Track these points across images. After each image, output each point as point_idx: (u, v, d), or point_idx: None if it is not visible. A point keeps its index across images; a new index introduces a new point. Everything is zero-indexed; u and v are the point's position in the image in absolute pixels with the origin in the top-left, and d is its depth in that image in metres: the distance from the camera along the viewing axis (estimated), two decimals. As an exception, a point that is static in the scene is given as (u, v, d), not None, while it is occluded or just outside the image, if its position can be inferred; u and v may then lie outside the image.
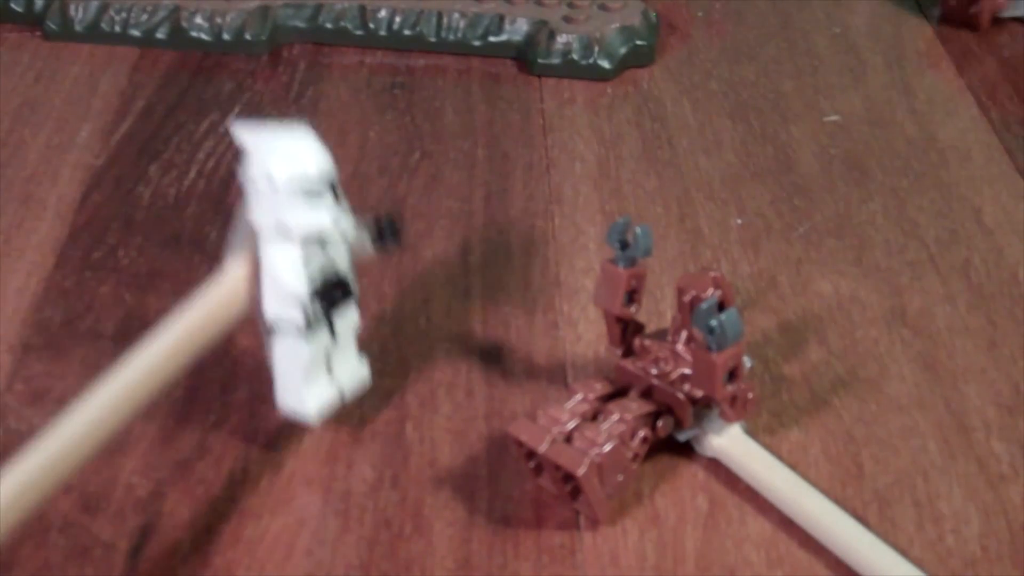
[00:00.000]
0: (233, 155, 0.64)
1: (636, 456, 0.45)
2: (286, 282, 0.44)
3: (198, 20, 0.73)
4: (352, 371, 0.48)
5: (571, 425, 0.45)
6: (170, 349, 0.44)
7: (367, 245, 0.46)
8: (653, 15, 0.74)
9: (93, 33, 0.73)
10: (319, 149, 0.44)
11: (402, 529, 0.45)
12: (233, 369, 0.52)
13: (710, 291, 0.45)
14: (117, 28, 0.73)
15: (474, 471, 0.47)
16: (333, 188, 0.44)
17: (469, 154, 0.65)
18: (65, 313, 0.54)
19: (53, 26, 0.74)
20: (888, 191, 0.62)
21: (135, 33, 0.73)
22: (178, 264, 0.57)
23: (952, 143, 0.66)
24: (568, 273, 0.57)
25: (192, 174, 0.63)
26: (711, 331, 0.44)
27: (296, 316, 0.45)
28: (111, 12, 0.73)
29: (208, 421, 0.49)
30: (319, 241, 0.44)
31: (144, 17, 0.73)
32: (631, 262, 0.47)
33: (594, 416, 0.45)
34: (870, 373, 0.52)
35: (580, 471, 0.43)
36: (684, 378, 0.46)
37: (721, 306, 0.44)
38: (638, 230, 0.46)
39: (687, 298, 0.46)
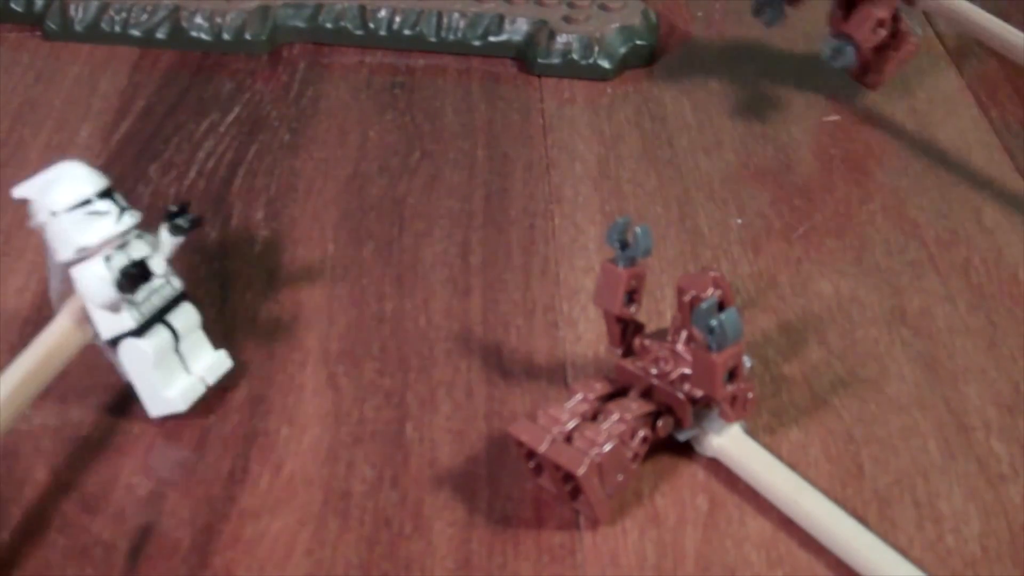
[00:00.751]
0: (233, 155, 0.64)
1: (636, 456, 0.45)
2: (97, 292, 0.47)
3: (198, 20, 0.73)
4: (210, 362, 0.50)
5: (571, 425, 0.45)
6: (11, 397, 0.46)
7: (165, 235, 0.49)
8: (653, 15, 0.74)
9: (93, 33, 0.73)
10: (85, 170, 0.47)
11: (402, 529, 0.45)
12: (233, 369, 0.52)
13: (710, 291, 0.45)
14: (117, 28, 0.73)
15: (474, 471, 0.47)
16: (111, 196, 0.47)
17: (469, 154, 0.65)
18: (65, 313, 0.54)
19: (53, 26, 0.74)
20: (888, 191, 0.62)
21: (135, 33, 0.73)
22: (178, 264, 0.57)
23: (952, 143, 0.66)
24: (568, 273, 0.57)
25: (192, 174, 0.63)
26: (711, 331, 0.44)
27: (126, 323, 0.48)
28: (111, 12, 0.73)
29: (208, 421, 0.49)
30: (120, 248, 0.47)
31: (144, 17, 0.73)
32: (631, 262, 0.47)
33: (594, 416, 0.45)
34: (870, 373, 0.52)
35: (580, 471, 0.43)
36: (684, 378, 0.46)
37: (721, 306, 0.44)
38: (638, 230, 0.46)
39: (687, 298, 0.46)
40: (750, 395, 0.46)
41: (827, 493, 0.46)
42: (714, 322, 0.43)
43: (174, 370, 0.49)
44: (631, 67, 0.72)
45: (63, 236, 0.47)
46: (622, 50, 0.71)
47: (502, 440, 0.48)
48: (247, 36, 0.72)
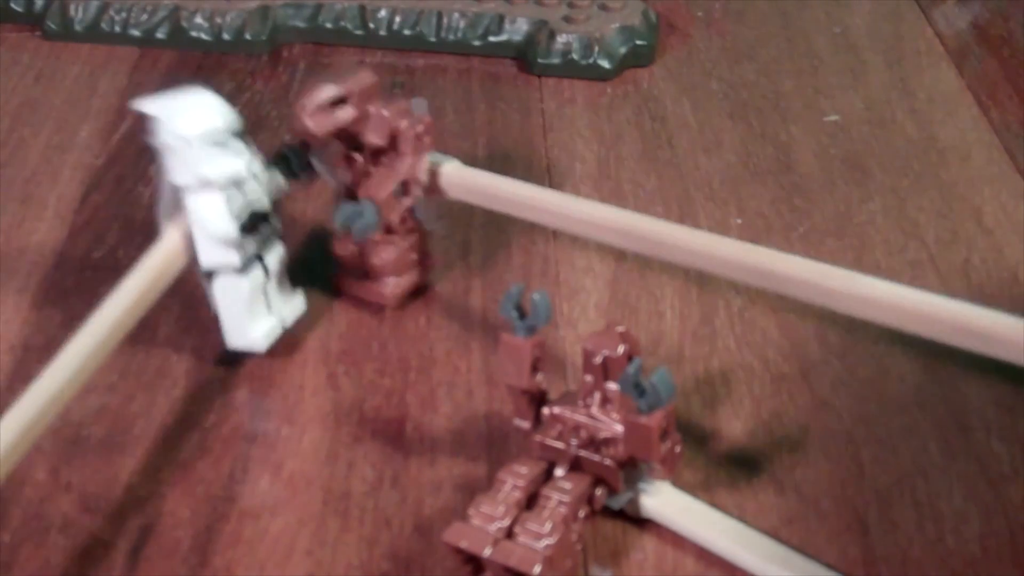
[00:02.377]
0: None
1: (580, 537, 0.43)
2: (216, 227, 0.48)
3: (198, 20, 0.73)
4: (288, 302, 0.52)
5: (509, 520, 0.42)
6: (121, 316, 0.47)
7: (280, 180, 0.50)
8: (653, 15, 0.74)
9: (93, 33, 0.73)
10: (220, 103, 0.48)
11: (402, 529, 0.45)
12: (233, 369, 0.52)
13: (620, 348, 0.43)
14: (117, 28, 0.73)
15: (474, 471, 0.47)
16: (239, 135, 0.48)
17: (469, 154, 0.64)
18: (65, 313, 0.54)
19: (53, 26, 0.74)
20: (888, 191, 0.62)
21: (135, 33, 0.73)
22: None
23: (952, 143, 0.66)
24: (568, 273, 0.57)
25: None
26: (642, 394, 0.42)
27: (231, 259, 0.49)
28: (111, 12, 0.73)
29: (208, 421, 0.49)
30: (236, 184, 0.48)
31: (144, 17, 0.73)
32: (532, 331, 0.44)
33: (528, 500, 0.43)
34: (870, 373, 0.52)
35: (536, 570, 0.41)
36: (607, 442, 0.44)
37: (629, 359, 0.43)
38: (535, 296, 0.44)
39: (598, 360, 0.43)
40: (678, 449, 0.44)
41: (827, 493, 0.46)
42: (646, 385, 0.42)
43: (259, 309, 0.50)
44: (631, 67, 0.72)
45: (188, 162, 0.47)
46: (622, 50, 0.71)
47: (502, 440, 0.48)
48: (247, 36, 0.72)
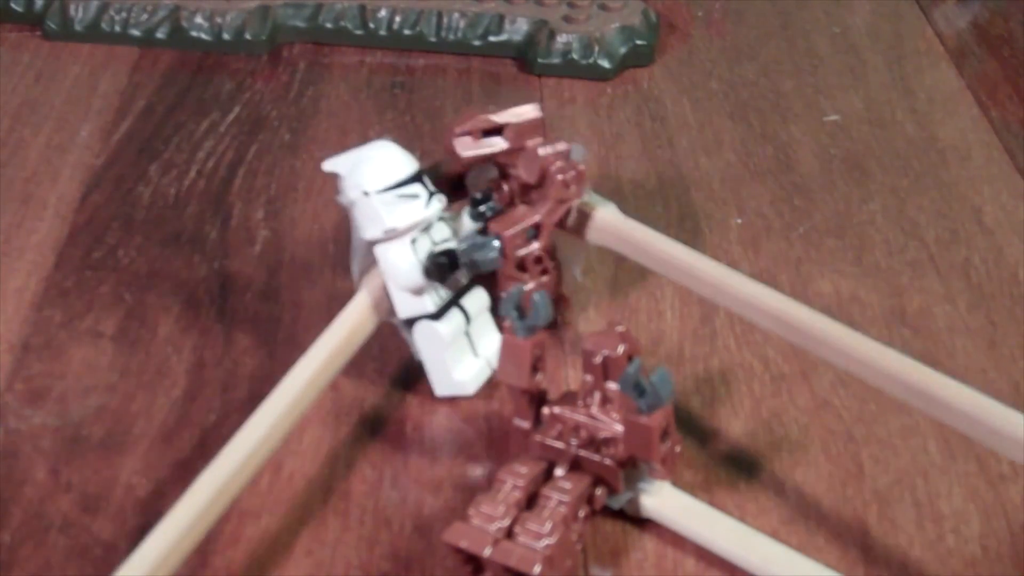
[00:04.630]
0: (233, 155, 0.64)
1: (580, 536, 0.44)
2: (404, 273, 0.48)
3: (198, 20, 0.73)
4: (495, 344, 0.50)
5: (508, 520, 0.42)
6: (317, 374, 0.46)
7: (467, 220, 0.51)
8: (653, 15, 0.74)
9: (93, 33, 0.73)
10: (399, 152, 0.48)
11: (402, 529, 0.45)
12: (233, 369, 0.52)
13: (620, 348, 0.43)
14: (117, 28, 0.73)
15: (474, 471, 0.47)
16: (421, 180, 0.48)
17: (469, 154, 0.64)
18: (65, 313, 0.54)
19: (53, 26, 0.74)
20: (888, 191, 0.62)
21: (135, 33, 0.73)
22: (178, 264, 0.57)
23: (952, 143, 0.66)
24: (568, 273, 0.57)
25: (192, 174, 0.63)
26: (642, 393, 0.42)
27: (426, 306, 0.49)
28: (111, 12, 0.73)
29: (208, 421, 0.49)
30: (424, 231, 0.48)
31: (144, 17, 0.73)
32: (532, 331, 0.44)
33: (528, 501, 0.43)
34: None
35: (536, 570, 0.41)
36: (607, 442, 0.44)
37: (629, 358, 0.43)
38: (535, 297, 0.44)
39: (598, 359, 0.43)
40: (678, 449, 0.44)
41: (827, 493, 0.46)
42: (646, 385, 0.42)
43: (463, 352, 0.50)
44: (631, 67, 0.72)
45: (372, 215, 0.48)
46: (622, 50, 0.71)
47: (502, 440, 0.48)
48: (247, 36, 0.72)
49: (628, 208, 0.60)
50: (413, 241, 0.48)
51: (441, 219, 0.49)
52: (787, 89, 0.70)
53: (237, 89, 0.70)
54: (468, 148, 0.51)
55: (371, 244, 0.48)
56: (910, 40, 0.75)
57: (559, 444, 0.45)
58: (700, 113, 0.68)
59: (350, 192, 0.48)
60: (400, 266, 0.48)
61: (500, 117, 0.51)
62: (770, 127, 0.67)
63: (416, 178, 0.48)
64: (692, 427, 0.49)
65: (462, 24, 0.72)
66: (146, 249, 0.58)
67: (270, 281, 0.56)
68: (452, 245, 0.49)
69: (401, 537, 0.45)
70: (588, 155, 0.52)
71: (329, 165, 0.49)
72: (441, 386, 0.50)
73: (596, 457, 0.44)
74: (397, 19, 0.73)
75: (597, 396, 0.44)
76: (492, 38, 0.72)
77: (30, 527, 0.45)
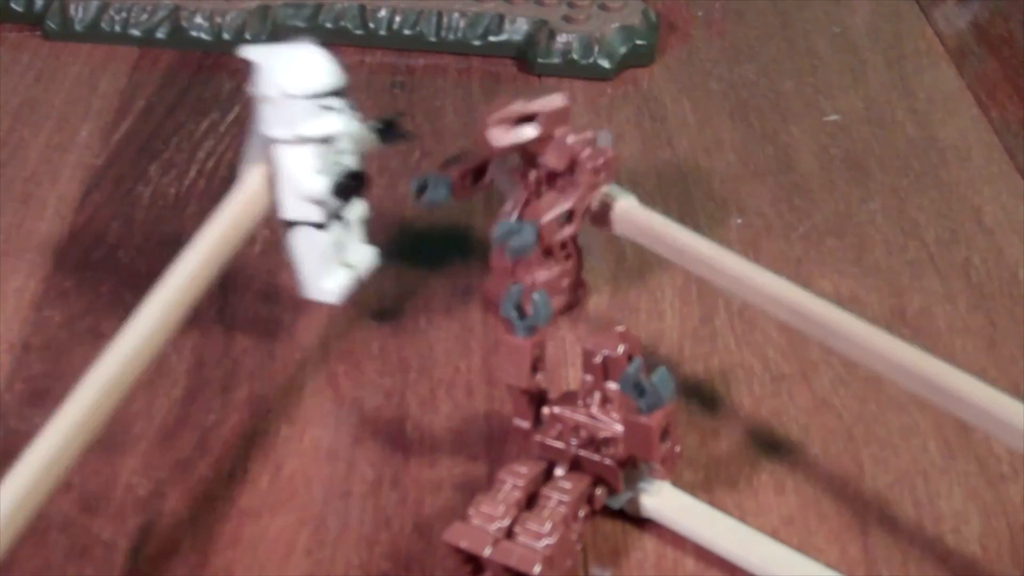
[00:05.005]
0: (233, 154, 0.64)
1: (580, 536, 0.44)
2: (305, 185, 0.48)
3: (198, 20, 0.73)
4: (363, 255, 0.51)
5: (508, 520, 0.42)
6: (206, 256, 0.47)
7: (372, 138, 0.50)
8: (653, 15, 0.74)
9: (93, 33, 0.73)
10: (328, 61, 0.47)
11: (402, 529, 0.45)
12: (233, 369, 0.52)
13: (620, 348, 0.43)
14: (117, 28, 0.73)
15: (474, 471, 0.47)
16: (339, 94, 0.47)
17: (469, 154, 0.64)
18: (65, 313, 0.54)
19: (53, 26, 0.74)
20: (888, 191, 0.62)
21: (135, 33, 0.73)
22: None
23: (952, 143, 0.66)
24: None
25: (192, 174, 0.63)
26: (642, 393, 0.42)
27: (314, 214, 0.48)
28: (111, 12, 0.73)
29: (208, 421, 0.49)
30: (328, 141, 0.48)
31: (144, 17, 0.73)
32: (531, 331, 0.44)
33: (528, 500, 0.43)
34: (870, 373, 0.52)
35: (536, 570, 0.41)
36: (607, 442, 0.44)
37: (629, 358, 0.43)
38: (535, 296, 0.44)
39: (598, 359, 0.43)
40: (677, 449, 0.44)
41: (827, 493, 0.46)
42: (646, 384, 0.42)
43: (335, 262, 0.50)
44: (631, 67, 0.72)
45: (286, 118, 0.47)
46: (622, 50, 0.71)
47: (502, 440, 0.48)
48: (247, 36, 0.72)
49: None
50: (318, 151, 0.48)
51: (349, 136, 0.49)
52: (787, 89, 0.70)
53: (237, 89, 0.70)
54: (501, 137, 0.51)
55: (271, 141, 0.48)
56: (910, 40, 0.75)
57: (559, 444, 0.45)
58: (700, 113, 0.68)
59: (267, 88, 0.47)
60: (301, 173, 0.48)
61: (531, 106, 0.51)
62: (770, 127, 0.67)
63: (339, 92, 0.48)
64: (692, 427, 0.49)
65: (462, 24, 0.73)
66: (146, 249, 0.58)
67: (270, 281, 0.56)
68: (355, 165, 0.49)
69: (401, 537, 0.45)
70: (612, 142, 0.53)
71: (248, 52, 0.48)
72: (309, 290, 0.51)
73: (596, 457, 0.44)
74: (397, 19, 0.73)
75: (597, 396, 0.44)
76: (492, 38, 0.72)
77: (30, 527, 0.45)
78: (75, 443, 0.41)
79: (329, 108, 0.47)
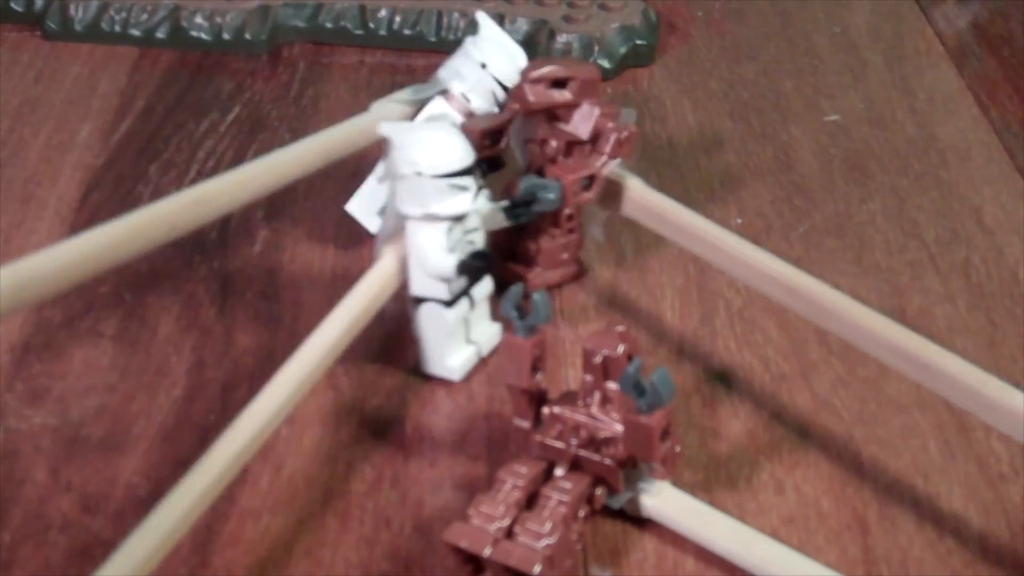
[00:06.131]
0: (233, 154, 0.64)
1: (580, 536, 0.44)
2: (434, 263, 0.49)
3: (198, 20, 0.73)
4: (487, 332, 0.52)
5: (508, 520, 0.42)
6: (339, 336, 0.48)
7: (502, 219, 0.51)
8: (653, 15, 0.74)
9: (93, 33, 0.73)
10: (462, 141, 0.49)
11: (402, 529, 0.45)
12: (233, 369, 0.52)
13: (620, 348, 0.43)
14: (117, 28, 0.73)
15: (474, 471, 0.47)
16: (472, 172, 0.49)
17: (469, 154, 0.64)
18: (65, 313, 0.54)
19: (53, 26, 0.74)
20: (888, 191, 0.62)
21: (135, 33, 0.73)
22: (178, 264, 0.57)
23: (952, 143, 0.66)
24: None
25: (192, 174, 0.63)
26: (642, 393, 0.42)
27: (442, 292, 0.49)
28: (111, 12, 0.73)
29: (208, 421, 0.49)
30: (459, 221, 0.49)
31: (144, 17, 0.73)
32: (532, 331, 0.44)
33: (528, 500, 0.43)
34: (870, 373, 0.52)
35: (536, 570, 0.41)
36: (607, 442, 0.44)
37: (629, 358, 0.43)
38: (535, 296, 0.44)
39: (597, 359, 0.43)
40: (677, 448, 0.44)
41: (827, 493, 0.46)
42: (646, 384, 0.41)
43: (459, 338, 0.51)
44: (631, 67, 0.72)
45: (419, 196, 0.48)
46: (622, 50, 0.71)
47: (502, 440, 0.48)
48: (247, 36, 0.72)
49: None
50: (449, 229, 0.49)
51: (477, 213, 0.50)
52: (787, 89, 0.70)
53: (237, 89, 0.70)
54: (539, 96, 0.53)
55: (404, 218, 0.49)
56: (910, 40, 0.75)
57: (559, 444, 0.45)
58: (700, 113, 0.68)
59: (401, 166, 0.48)
60: (430, 251, 0.49)
61: (566, 70, 0.53)
62: (770, 127, 0.67)
63: (470, 170, 0.49)
64: (692, 427, 0.49)
65: (462, 24, 0.73)
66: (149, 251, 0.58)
67: (270, 281, 0.56)
68: (483, 244, 0.50)
69: (401, 537, 0.45)
70: (637, 119, 0.55)
71: (387, 130, 0.49)
72: (432, 366, 0.51)
73: (596, 457, 0.44)
74: (397, 19, 0.73)
75: (597, 396, 0.44)
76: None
77: (30, 527, 0.45)
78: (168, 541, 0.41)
79: (461, 188, 0.48)
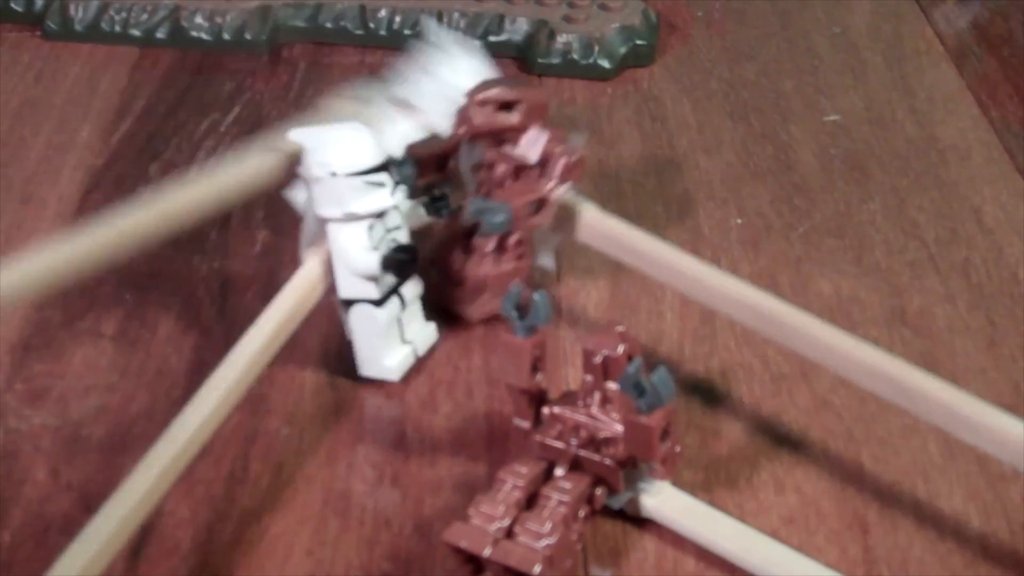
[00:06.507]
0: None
1: (580, 536, 0.44)
2: (358, 262, 0.48)
3: (198, 20, 0.73)
4: (421, 332, 0.52)
5: (508, 520, 0.42)
6: (265, 343, 0.47)
7: (422, 214, 0.51)
8: (653, 15, 0.74)
9: (93, 33, 0.73)
10: (370, 138, 0.49)
11: (402, 529, 0.45)
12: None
13: (620, 348, 0.43)
14: (117, 28, 0.73)
15: (474, 471, 0.47)
16: (387, 168, 0.49)
17: (469, 154, 0.64)
18: (65, 313, 0.54)
19: (53, 26, 0.74)
20: (888, 191, 0.62)
21: (135, 33, 0.73)
22: (178, 264, 0.57)
23: (952, 143, 0.66)
24: (568, 272, 0.57)
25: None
26: (642, 393, 0.42)
27: (370, 291, 0.49)
28: (111, 12, 0.73)
29: (208, 421, 0.49)
30: (378, 216, 0.48)
31: (144, 17, 0.73)
32: (531, 331, 0.44)
33: (528, 500, 0.43)
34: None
35: (536, 570, 0.41)
36: (608, 442, 0.44)
37: (629, 358, 0.43)
38: (535, 296, 0.44)
39: (598, 359, 0.43)
40: (678, 449, 0.44)
41: (827, 493, 0.46)
42: (646, 384, 0.41)
43: (393, 338, 0.51)
44: (631, 67, 0.72)
45: (335, 197, 0.48)
46: (622, 50, 0.71)
47: (503, 440, 0.48)
48: (247, 36, 0.72)
49: (628, 208, 0.61)
50: (370, 227, 0.48)
51: (395, 207, 0.49)
52: (787, 89, 0.70)
53: (237, 89, 0.70)
54: (483, 117, 0.52)
55: (324, 221, 0.49)
56: (910, 40, 0.75)
57: (559, 444, 0.45)
58: (700, 113, 0.68)
59: (314, 168, 0.48)
60: (354, 250, 0.48)
61: (514, 93, 0.52)
62: (770, 127, 0.67)
63: (383, 167, 0.48)
64: (692, 427, 0.49)
65: (462, 24, 0.73)
66: (146, 249, 0.58)
67: (270, 281, 0.56)
68: (408, 240, 0.50)
69: (401, 537, 0.45)
70: (586, 143, 0.53)
71: (296, 135, 0.49)
72: (368, 368, 0.51)
73: (596, 457, 0.44)
74: (397, 19, 0.73)
75: (597, 396, 0.44)
76: (492, 38, 0.72)
77: (30, 527, 0.45)
78: (110, 546, 0.40)
79: (377, 184, 0.48)
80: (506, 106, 0.52)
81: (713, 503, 0.45)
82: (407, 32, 0.73)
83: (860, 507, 0.46)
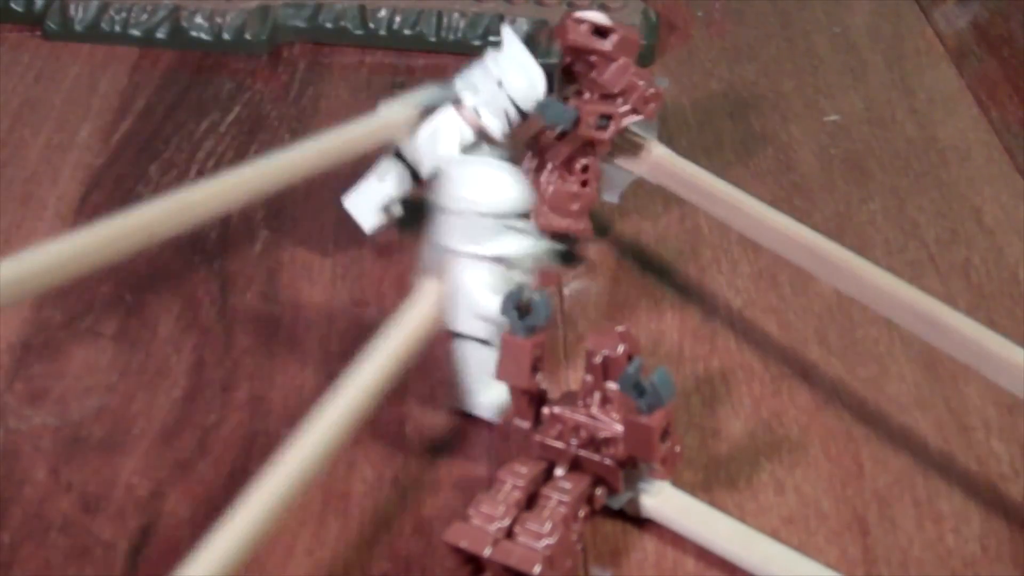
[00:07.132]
0: (234, 155, 0.64)
1: (580, 536, 0.44)
2: (480, 303, 0.47)
3: (198, 20, 0.73)
4: None
5: (508, 520, 0.42)
6: (381, 369, 0.45)
7: (550, 263, 0.50)
8: (653, 15, 0.74)
9: (93, 33, 0.73)
10: (519, 182, 0.48)
11: (402, 529, 0.45)
12: (233, 369, 0.52)
13: (620, 348, 0.43)
14: (117, 28, 0.73)
15: (474, 471, 0.47)
16: (526, 215, 0.48)
17: (469, 154, 0.64)
18: (65, 313, 0.54)
19: (53, 26, 0.74)
20: (888, 191, 0.62)
21: (135, 33, 0.73)
22: (178, 264, 0.57)
23: (952, 143, 0.66)
24: (568, 272, 0.57)
25: (192, 174, 0.63)
26: (642, 393, 0.42)
27: (482, 331, 0.48)
28: (111, 12, 0.73)
29: (208, 421, 0.49)
30: (507, 262, 0.47)
31: (144, 17, 0.73)
32: (532, 331, 0.44)
33: (528, 500, 0.43)
34: (870, 373, 0.52)
35: (536, 570, 0.41)
36: (608, 442, 0.44)
37: (629, 358, 0.43)
38: (535, 296, 0.44)
39: (598, 359, 0.43)
40: (678, 448, 0.44)
41: (827, 493, 0.46)
42: (646, 384, 0.41)
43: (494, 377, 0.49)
44: (631, 67, 0.72)
45: (472, 233, 0.47)
46: (622, 50, 0.71)
47: (502, 440, 0.48)
48: (247, 36, 0.72)
49: (628, 207, 0.61)
50: (497, 270, 0.47)
51: (528, 257, 0.48)
52: (787, 89, 0.70)
53: (237, 89, 0.70)
54: (577, 35, 0.53)
55: (448, 251, 0.48)
56: (910, 40, 0.75)
57: (559, 444, 0.45)
58: (700, 113, 0.68)
59: (453, 201, 0.47)
60: (477, 292, 0.47)
61: (610, 23, 0.53)
62: (770, 127, 0.67)
63: (525, 213, 0.48)
64: (692, 427, 0.49)
65: (462, 24, 0.73)
66: (146, 249, 0.58)
67: (270, 281, 0.56)
68: (536, 295, 0.48)
69: (401, 537, 0.45)
70: (668, 87, 0.56)
71: (446, 165, 0.49)
72: (467, 403, 0.50)
73: (596, 457, 0.44)
74: (397, 19, 0.73)
75: (597, 396, 0.44)
76: (492, 38, 0.72)
77: (30, 527, 0.45)
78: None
79: (514, 229, 0.47)
80: (601, 33, 0.53)
81: (713, 503, 0.45)
82: (407, 32, 0.73)
83: (860, 507, 0.46)
